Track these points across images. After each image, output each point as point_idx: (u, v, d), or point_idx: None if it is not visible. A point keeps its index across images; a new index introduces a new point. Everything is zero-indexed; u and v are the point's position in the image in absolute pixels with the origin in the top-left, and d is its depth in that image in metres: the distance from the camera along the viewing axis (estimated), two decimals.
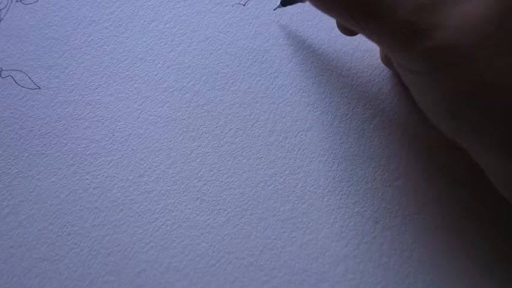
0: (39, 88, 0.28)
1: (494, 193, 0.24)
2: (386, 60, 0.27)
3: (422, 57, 0.19)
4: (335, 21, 0.27)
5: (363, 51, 0.30)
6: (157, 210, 0.26)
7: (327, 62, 0.30)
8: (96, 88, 0.29)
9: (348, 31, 0.26)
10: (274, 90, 0.29)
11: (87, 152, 0.27)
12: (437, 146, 0.27)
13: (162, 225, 0.25)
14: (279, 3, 0.30)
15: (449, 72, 0.19)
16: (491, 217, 0.25)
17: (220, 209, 0.26)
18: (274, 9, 0.31)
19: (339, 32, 0.28)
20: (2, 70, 0.29)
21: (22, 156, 0.27)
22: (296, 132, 0.28)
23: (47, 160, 0.27)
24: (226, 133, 0.28)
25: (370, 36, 0.21)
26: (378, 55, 0.29)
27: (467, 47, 0.18)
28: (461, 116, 0.20)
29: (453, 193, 0.26)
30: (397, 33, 0.19)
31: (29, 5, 0.31)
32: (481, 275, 0.24)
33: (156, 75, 0.29)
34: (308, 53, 0.30)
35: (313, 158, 0.27)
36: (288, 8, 0.31)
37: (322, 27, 0.31)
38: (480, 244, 0.25)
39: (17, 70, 0.29)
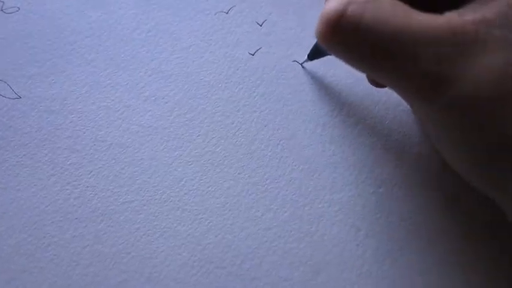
0: (20, 98, 0.28)
1: (479, 199, 0.24)
2: (372, 81, 0.27)
3: (447, 107, 0.19)
4: (394, 95, 0.27)
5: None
6: (139, 220, 0.25)
7: (309, 70, 0.30)
8: (78, 97, 0.28)
9: (377, 84, 0.27)
10: (256, 99, 0.29)
11: (68, 162, 0.27)
12: (420, 153, 0.27)
13: (143, 235, 0.25)
14: (306, 57, 0.29)
15: (473, 123, 0.19)
16: (476, 223, 0.26)
17: (201, 218, 0.26)
18: (301, 64, 0.30)
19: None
20: None
21: (2, 167, 0.26)
22: (278, 141, 0.28)
23: (26, 171, 0.26)
24: (208, 142, 0.28)
25: (394, 87, 0.21)
26: None
27: (489, 99, 0.18)
28: (487, 167, 0.20)
29: (437, 200, 0.26)
30: (421, 84, 0.19)
31: (10, 14, 0.31)
32: (464, 282, 0.24)
33: (137, 84, 0.29)
34: (290, 62, 0.30)
35: (295, 166, 0.27)
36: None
37: (304, 37, 0.31)
38: (465, 251, 0.25)
39: None
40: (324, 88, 0.29)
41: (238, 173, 0.27)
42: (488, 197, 0.22)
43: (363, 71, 0.22)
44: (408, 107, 0.28)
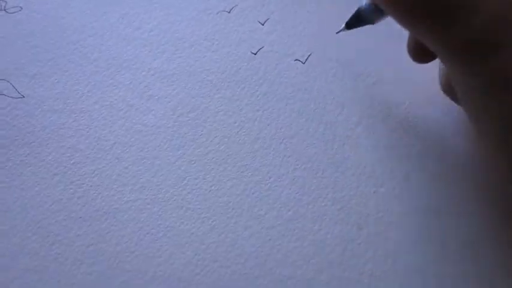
0: (23, 97, 0.28)
1: (482, 198, 0.24)
2: (447, 88, 0.26)
3: (492, 74, 0.19)
4: (406, 46, 0.27)
5: (349, 60, 0.30)
6: (142, 219, 0.26)
7: (311, 69, 0.30)
8: (81, 97, 0.28)
9: (420, 57, 0.26)
10: (259, 98, 0.29)
11: (71, 161, 0.27)
12: (422, 152, 0.27)
13: (146, 234, 0.25)
14: (343, 26, 0.28)
15: None
16: (477, 222, 0.26)
17: (205, 217, 0.26)
18: (336, 33, 0.29)
19: (319, 38, 0.28)
20: None
21: (5, 166, 0.26)
22: (281, 140, 0.28)
23: (30, 170, 0.26)
24: (211, 141, 0.28)
25: (441, 47, 0.20)
26: (362, 57, 0.29)
27: None
28: None
29: (439, 199, 0.26)
30: (470, 46, 0.19)
31: (13, 14, 0.31)
32: (467, 282, 0.24)
33: (140, 83, 0.29)
34: (292, 60, 0.30)
35: (297, 165, 0.27)
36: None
37: (306, 34, 0.31)
38: (466, 250, 0.25)
39: (1, 79, 0.29)
40: (326, 87, 0.29)
41: (241, 172, 0.27)
42: (490, 197, 0.22)
43: (414, 28, 0.21)
44: (411, 106, 0.28)
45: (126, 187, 0.26)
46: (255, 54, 0.30)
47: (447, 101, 0.27)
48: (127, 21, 0.31)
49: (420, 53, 0.26)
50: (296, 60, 0.30)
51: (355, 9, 0.27)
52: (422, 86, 0.29)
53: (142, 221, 0.25)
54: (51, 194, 0.26)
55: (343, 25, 0.28)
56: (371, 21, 0.26)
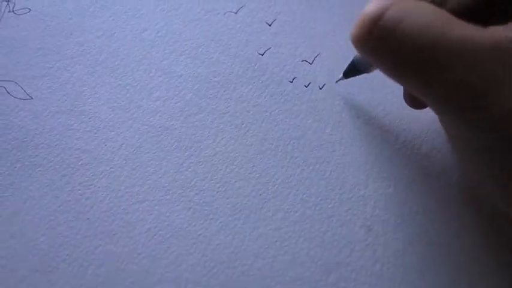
0: (32, 98, 0.28)
1: (488, 200, 0.24)
2: (409, 101, 0.26)
3: (480, 123, 0.18)
4: (402, 94, 0.27)
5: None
6: (150, 221, 0.26)
7: (319, 70, 0.30)
8: (88, 98, 0.29)
9: (415, 104, 0.26)
10: (266, 99, 0.29)
11: (79, 163, 0.27)
12: (429, 153, 0.27)
13: (154, 235, 0.25)
14: (341, 75, 0.28)
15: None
16: (485, 222, 0.25)
17: (212, 218, 0.26)
18: (336, 82, 0.29)
19: (326, 39, 0.28)
20: None
21: (14, 167, 0.27)
22: (288, 141, 0.28)
23: (39, 171, 0.27)
24: (218, 142, 0.28)
25: (430, 99, 0.20)
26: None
27: None
28: None
29: (447, 200, 0.26)
30: (456, 96, 0.18)
31: (21, 16, 0.31)
32: (474, 281, 0.24)
33: (148, 85, 0.29)
34: (299, 61, 0.30)
35: (305, 166, 0.27)
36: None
37: (314, 34, 0.31)
38: (474, 250, 0.25)
39: (9, 81, 0.29)
40: (333, 88, 0.29)
41: (249, 173, 0.27)
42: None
43: (398, 81, 0.21)
44: (420, 110, 0.28)
45: (134, 188, 0.26)
46: (262, 55, 0.30)
47: None
48: (134, 22, 0.31)
49: (416, 102, 0.26)
50: (303, 61, 0.30)
51: (351, 59, 0.27)
52: None
53: (150, 222, 0.26)
54: (59, 195, 0.26)
55: (341, 74, 0.28)
56: (367, 71, 0.26)
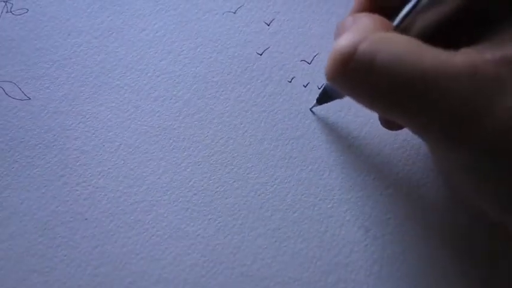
0: (29, 99, 0.28)
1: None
2: (386, 123, 0.26)
3: (462, 148, 0.18)
4: (377, 116, 0.27)
5: None
6: (148, 221, 0.26)
7: (318, 69, 0.30)
8: (86, 98, 0.28)
9: (390, 126, 0.26)
10: (264, 99, 0.29)
11: (77, 163, 0.27)
12: (428, 154, 0.27)
13: (152, 235, 0.25)
14: (315, 101, 0.28)
15: (496, 167, 0.18)
16: (484, 225, 0.25)
17: (210, 218, 0.26)
18: (310, 109, 0.29)
19: (325, 39, 0.28)
20: None
21: (12, 168, 0.27)
22: (287, 141, 0.28)
23: (36, 171, 0.27)
24: (216, 142, 0.28)
25: (411, 127, 0.20)
26: None
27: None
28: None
29: (446, 201, 0.26)
30: (439, 124, 0.18)
31: (19, 16, 0.31)
32: (475, 281, 0.24)
33: (146, 85, 0.29)
34: (298, 61, 0.30)
35: (304, 166, 0.27)
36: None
37: (312, 34, 0.31)
38: (473, 253, 0.25)
39: (7, 81, 0.29)
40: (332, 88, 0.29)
41: (247, 173, 0.27)
42: None
43: (375, 111, 0.20)
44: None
45: (132, 189, 0.26)
46: (261, 54, 0.30)
47: None
48: (132, 22, 0.31)
49: (392, 125, 0.26)
50: (302, 60, 0.30)
51: (323, 86, 0.26)
52: None
53: (148, 223, 0.25)
54: (57, 196, 0.26)
55: (315, 101, 0.28)
56: (340, 97, 0.26)
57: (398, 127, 0.26)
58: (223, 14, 0.31)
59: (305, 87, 0.29)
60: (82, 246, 0.25)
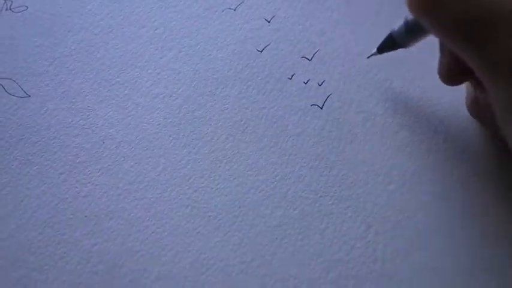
0: (29, 96, 0.28)
1: (489, 194, 0.24)
2: (473, 111, 0.26)
3: None
4: (437, 71, 0.26)
5: (356, 56, 0.30)
6: (148, 218, 0.25)
7: (318, 66, 0.30)
8: (86, 95, 0.28)
9: (452, 80, 0.25)
10: (264, 96, 0.29)
11: (77, 160, 0.27)
12: (430, 150, 0.27)
13: (152, 233, 0.25)
14: (374, 50, 0.27)
15: None
16: (486, 220, 0.25)
17: (210, 215, 0.26)
18: (368, 57, 0.28)
19: (325, 35, 0.28)
20: None
21: (12, 165, 0.27)
22: (287, 137, 0.27)
23: (36, 169, 0.26)
24: (216, 139, 0.27)
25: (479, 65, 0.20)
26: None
27: None
28: None
29: (447, 197, 0.26)
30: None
31: (18, 13, 0.31)
32: (476, 278, 0.24)
33: (146, 82, 0.29)
34: (299, 58, 0.30)
35: (304, 163, 0.27)
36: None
37: (313, 31, 0.31)
38: (475, 247, 0.25)
39: (7, 78, 0.29)
40: (333, 84, 0.29)
41: (247, 170, 0.27)
42: (501, 197, 0.22)
43: (451, 40, 0.20)
44: (420, 103, 0.28)
45: (132, 186, 0.26)
46: (261, 51, 0.30)
47: (454, 96, 0.27)
48: (132, 19, 0.31)
49: (452, 78, 0.25)
50: (303, 57, 0.30)
51: (387, 33, 0.26)
52: (430, 83, 0.28)
53: (148, 220, 0.25)
54: (56, 193, 0.26)
55: (375, 50, 0.27)
56: (404, 45, 0.25)
57: (459, 81, 0.25)
58: (223, 11, 0.31)
59: (305, 84, 0.29)
60: (82, 243, 0.25)
